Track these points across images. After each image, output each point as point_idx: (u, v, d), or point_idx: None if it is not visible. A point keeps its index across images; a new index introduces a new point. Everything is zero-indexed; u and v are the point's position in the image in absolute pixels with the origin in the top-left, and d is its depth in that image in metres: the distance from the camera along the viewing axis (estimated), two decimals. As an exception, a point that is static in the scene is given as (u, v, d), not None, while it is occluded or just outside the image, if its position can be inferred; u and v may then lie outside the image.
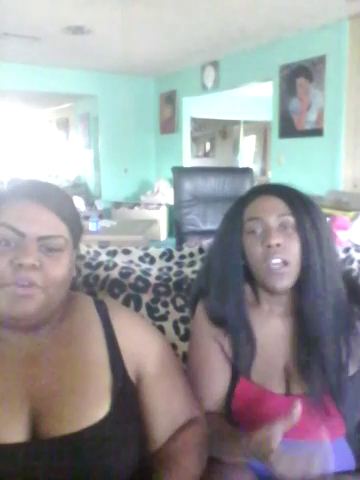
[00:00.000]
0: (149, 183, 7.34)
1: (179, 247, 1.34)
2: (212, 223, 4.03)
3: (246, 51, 5.25)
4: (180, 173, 4.17)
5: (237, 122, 9.47)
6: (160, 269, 1.27)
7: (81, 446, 0.72)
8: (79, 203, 6.16)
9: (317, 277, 0.89)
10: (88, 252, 1.26)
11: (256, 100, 7.51)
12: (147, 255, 1.30)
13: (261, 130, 10.08)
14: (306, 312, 0.90)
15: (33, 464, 0.70)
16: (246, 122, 9.46)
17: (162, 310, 1.21)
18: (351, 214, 3.60)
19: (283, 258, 0.87)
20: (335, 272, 0.92)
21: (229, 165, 9.68)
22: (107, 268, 1.22)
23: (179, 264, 1.29)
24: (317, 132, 4.53)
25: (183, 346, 1.19)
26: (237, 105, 7.79)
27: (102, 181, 7.26)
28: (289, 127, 4.84)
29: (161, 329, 1.18)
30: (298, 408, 0.76)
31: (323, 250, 0.89)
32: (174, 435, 0.84)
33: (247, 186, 4.10)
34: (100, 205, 6.76)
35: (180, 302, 1.22)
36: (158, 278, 1.24)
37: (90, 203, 7.05)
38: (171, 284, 1.23)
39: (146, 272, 1.24)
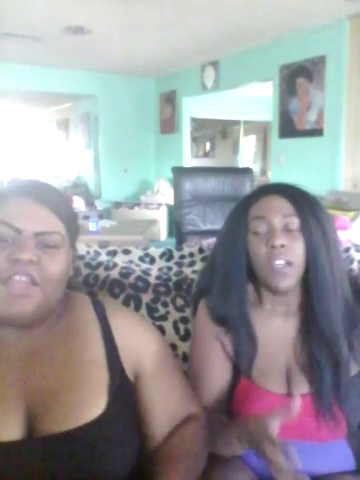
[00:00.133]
0: (149, 183, 7.34)
1: (179, 247, 1.34)
2: (212, 223, 4.03)
3: (246, 51, 5.25)
4: (180, 173, 4.17)
5: (237, 122, 9.47)
6: (160, 269, 1.27)
7: (77, 444, 0.72)
8: (79, 203, 6.18)
9: (327, 279, 0.88)
10: (88, 252, 1.26)
11: (256, 100, 7.51)
12: (147, 255, 1.30)
13: (261, 130, 10.09)
14: (317, 313, 0.89)
15: (29, 462, 0.70)
16: (246, 122, 9.46)
17: (162, 310, 1.21)
18: (351, 214, 3.60)
19: (287, 259, 0.87)
20: (343, 273, 0.92)
21: (229, 165, 9.69)
22: (107, 268, 1.22)
23: (179, 264, 1.29)
24: (317, 132, 4.53)
25: (183, 346, 1.19)
26: (237, 105, 7.79)
27: (102, 181, 7.26)
28: (289, 127, 4.84)
29: (161, 329, 1.18)
30: (297, 403, 0.75)
31: (330, 251, 0.89)
32: (173, 432, 0.84)
33: (247, 186, 4.10)
34: (100, 205, 6.76)
35: (180, 302, 1.22)
36: (158, 278, 1.24)
37: (90, 203, 7.06)
38: (171, 284, 1.23)
39: (146, 272, 1.24)
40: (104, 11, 4.00)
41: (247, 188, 4.09)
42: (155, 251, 1.31)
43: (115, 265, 1.23)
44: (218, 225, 4.49)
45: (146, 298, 1.21)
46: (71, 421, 0.73)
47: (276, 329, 0.96)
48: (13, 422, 0.72)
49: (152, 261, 1.29)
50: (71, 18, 4.22)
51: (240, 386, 0.94)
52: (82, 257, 1.23)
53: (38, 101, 8.68)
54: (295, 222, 0.88)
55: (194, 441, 0.83)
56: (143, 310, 1.19)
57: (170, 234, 6.48)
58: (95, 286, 1.19)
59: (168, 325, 1.20)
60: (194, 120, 7.53)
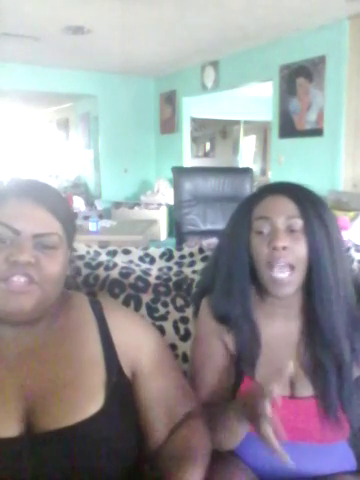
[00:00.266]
0: (149, 183, 7.34)
1: (179, 247, 1.34)
2: (212, 223, 4.04)
3: (246, 51, 5.25)
4: (180, 173, 4.17)
5: (237, 122, 9.47)
6: (160, 269, 1.27)
7: (74, 440, 0.73)
8: (79, 203, 6.18)
9: (330, 281, 0.87)
10: (88, 252, 1.26)
11: (256, 100, 7.51)
12: (147, 255, 1.30)
13: (261, 130, 10.09)
14: (319, 316, 0.89)
15: (27, 458, 0.71)
16: (246, 122, 9.46)
17: (162, 310, 1.21)
18: (351, 214, 3.60)
19: (288, 261, 0.86)
20: (346, 275, 0.91)
21: (229, 165, 9.68)
22: (107, 268, 1.22)
23: (179, 264, 1.29)
24: (317, 132, 4.53)
25: (183, 346, 1.19)
26: (237, 105, 7.79)
27: (102, 181, 7.26)
28: (289, 127, 4.84)
29: (161, 329, 1.18)
30: (291, 366, 0.76)
31: (334, 252, 0.88)
32: (174, 430, 0.84)
33: (247, 186, 4.11)
34: (100, 205, 6.76)
35: (180, 302, 1.22)
36: (158, 278, 1.24)
37: (90, 203, 7.06)
38: (171, 284, 1.23)
39: (146, 272, 1.24)
40: (104, 11, 4.00)
41: (247, 188, 4.10)
42: (155, 251, 1.31)
43: (115, 265, 1.23)
44: (218, 225, 4.49)
45: (146, 298, 1.21)
46: (69, 418, 0.74)
47: (278, 330, 0.95)
48: (11, 419, 0.73)
49: (152, 261, 1.29)
50: (71, 18, 4.22)
51: (243, 386, 0.94)
52: (82, 257, 1.23)
53: (38, 101, 8.68)
54: (298, 223, 0.87)
55: (197, 438, 0.83)
56: (143, 310, 1.19)
57: (170, 234, 6.48)
58: (95, 286, 1.19)
59: (168, 325, 1.20)
60: (194, 120, 7.53)
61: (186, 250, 1.32)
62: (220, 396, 0.96)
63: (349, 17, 4.11)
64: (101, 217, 5.04)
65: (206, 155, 10.89)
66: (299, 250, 0.86)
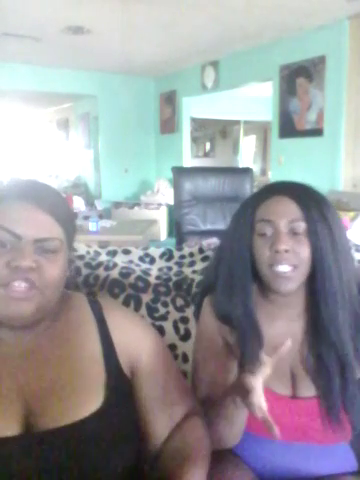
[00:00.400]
0: (149, 183, 7.34)
1: (179, 247, 1.34)
2: (212, 223, 4.04)
3: (246, 51, 5.25)
4: (180, 173, 4.18)
5: (237, 122, 9.47)
6: (160, 269, 1.27)
7: (74, 439, 0.73)
8: (79, 203, 6.18)
9: (334, 283, 0.87)
10: (88, 252, 1.26)
11: (256, 100, 7.51)
12: (147, 255, 1.30)
13: (261, 130, 10.09)
14: (324, 317, 0.88)
15: (26, 457, 0.71)
16: (246, 122, 9.46)
17: (162, 310, 1.21)
18: (351, 214, 3.60)
19: (291, 263, 0.86)
20: (351, 276, 0.90)
21: (229, 165, 9.68)
22: (107, 268, 1.22)
23: (179, 264, 1.29)
24: (317, 132, 4.53)
25: (183, 346, 1.18)
26: (237, 105, 7.79)
27: (102, 181, 7.26)
28: (289, 127, 4.84)
29: (161, 329, 1.18)
30: (288, 344, 0.77)
31: (338, 254, 0.87)
32: (174, 431, 0.84)
33: (247, 186, 4.11)
34: (100, 205, 6.76)
35: (180, 302, 1.22)
36: (158, 278, 1.24)
37: (90, 203, 7.06)
38: (171, 284, 1.23)
39: (146, 272, 1.24)
40: (104, 11, 4.00)
41: (247, 188, 4.10)
42: (155, 251, 1.31)
43: (115, 265, 1.23)
44: (218, 225, 4.49)
45: (146, 298, 1.21)
46: (68, 417, 0.74)
47: (281, 329, 0.95)
48: (11, 418, 0.73)
49: (152, 261, 1.29)
50: (71, 18, 4.22)
51: None
52: (82, 257, 1.23)
53: (38, 101, 8.68)
54: (302, 226, 0.86)
55: (197, 439, 0.83)
56: (143, 310, 1.19)
57: (170, 234, 6.48)
58: (95, 286, 1.19)
59: (168, 325, 1.20)
60: (194, 120, 7.53)
61: (186, 250, 1.32)
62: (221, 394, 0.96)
63: (349, 17, 4.11)
64: (101, 217, 5.03)
65: (206, 155, 10.89)
66: (302, 252, 0.86)
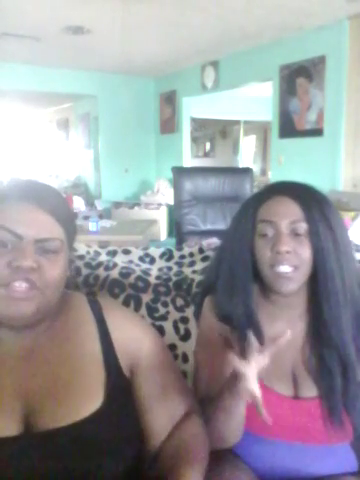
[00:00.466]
0: (149, 183, 7.34)
1: (179, 247, 1.34)
2: (212, 223, 4.04)
3: (246, 51, 5.25)
4: (180, 173, 4.17)
5: (237, 122, 9.47)
6: (160, 269, 1.27)
7: (74, 439, 0.73)
8: (79, 203, 6.18)
9: (337, 285, 0.86)
10: (88, 252, 1.26)
11: (256, 100, 7.51)
12: (147, 255, 1.30)
13: (261, 130, 10.09)
14: (326, 318, 0.88)
15: (26, 457, 0.71)
16: (246, 122, 9.46)
17: (162, 310, 1.21)
18: (351, 214, 3.60)
19: (292, 264, 0.85)
20: (353, 277, 0.89)
21: (229, 165, 9.68)
22: (107, 268, 1.22)
23: (179, 264, 1.29)
24: (317, 132, 4.53)
25: (183, 346, 1.18)
26: (237, 105, 7.79)
27: (102, 181, 7.26)
28: (289, 127, 4.84)
29: (161, 329, 1.18)
30: (288, 334, 0.77)
31: (340, 255, 0.86)
32: (173, 432, 0.84)
33: (247, 186, 4.11)
34: (100, 205, 6.76)
35: (180, 302, 1.22)
36: (158, 278, 1.24)
37: (90, 203, 7.06)
38: (171, 284, 1.23)
39: (146, 272, 1.24)
40: (104, 11, 4.00)
41: (247, 188, 4.10)
42: (155, 251, 1.31)
43: (115, 265, 1.23)
44: (218, 225, 4.48)
45: (146, 298, 1.21)
46: (68, 417, 0.74)
47: (282, 330, 0.95)
48: (11, 418, 0.73)
49: (152, 261, 1.29)
50: (71, 18, 4.22)
51: None
52: (82, 257, 1.23)
53: (38, 101, 8.68)
54: (303, 227, 0.86)
55: (195, 440, 0.83)
56: (143, 310, 1.19)
57: (170, 234, 6.48)
58: (95, 286, 1.19)
59: (168, 325, 1.20)
60: (194, 120, 7.53)
61: (186, 250, 1.32)
62: None
63: (349, 17, 4.11)
64: (101, 217, 5.03)
65: (206, 155, 10.89)
66: (303, 253, 0.86)
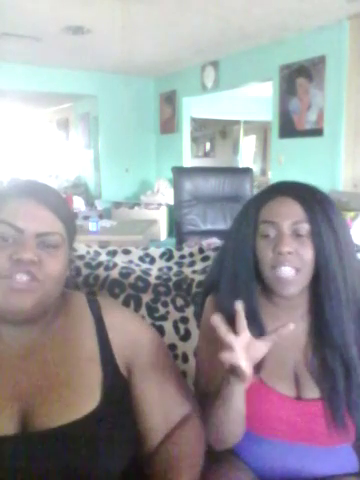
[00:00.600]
0: (149, 183, 7.34)
1: (179, 247, 1.34)
2: (212, 223, 4.04)
3: (246, 51, 5.25)
4: (180, 173, 4.17)
5: (237, 122, 9.48)
6: (160, 269, 1.27)
7: (71, 439, 0.73)
8: (79, 203, 6.18)
9: (339, 286, 0.86)
10: (88, 252, 1.26)
11: (256, 100, 7.51)
12: (147, 255, 1.30)
13: (261, 130, 10.09)
14: (329, 320, 0.87)
15: (23, 456, 0.71)
16: (246, 122, 9.46)
17: (162, 310, 1.21)
18: (351, 214, 3.60)
19: (293, 265, 0.85)
20: (356, 278, 0.88)
21: (229, 165, 9.68)
22: (107, 268, 1.22)
23: (179, 264, 1.29)
24: (317, 132, 4.53)
25: (183, 346, 1.18)
26: (237, 105, 7.79)
27: (102, 181, 7.27)
28: (289, 127, 4.84)
29: (161, 329, 1.18)
30: (291, 327, 0.76)
31: (343, 256, 0.86)
32: (170, 434, 0.84)
33: (247, 186, 4.11)
34: (100, 205, 6.76)
35: (180, 302, 1.22)
36: (158, 278, 1.24)
37: (90, 203, 7.06)
38: (171, 284, 1.23)
39: (146, 272, 1.24)
40: (104, 11, 4.00)
41: (247, 188, 4.10)
42: (155, 251, 1.31)
43: (115, 265, 1.23)
44: (218, 225, 4.46)
45: (146, 298, 1.21)
46: (65, 417, 0.74)
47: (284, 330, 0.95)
48: (7, 417, 0.73)
49: (152, 261, 1.29)
50: (71, 18, 4.22)
51: (250, 385, 0.93)
52: (82, 257, 1.23)
53: (38, 101, 8.68)
54: (305, 228, 0.85)
55: (189, 444, 0.83)
56: (143, 310, 1.19)
57: (170, 234, 6.48)
58: (95, 286, 1.19)
59: (168, 325, 1.20)
60: (194, 120, 7.53)
61: (186, 250, 1.32)
62: None
63: (349, 17, 4.11)
64: (101, 217, 5.03)
65: (206, 155, 10.89)
66: (305, 254, 0.85)
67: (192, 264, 1.29)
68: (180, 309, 1.22)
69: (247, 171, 4.30)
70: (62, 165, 9.74)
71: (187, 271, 1.26)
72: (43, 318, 0.81)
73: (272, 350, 0.92)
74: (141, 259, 1.29)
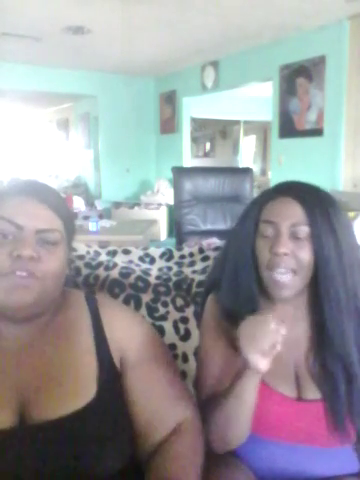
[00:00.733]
0: (149, 183, 7.34)
1: (179, 247, 1.34)
2: (212, 223, 4.03)
3: (246, 51, 5.25)
4: (180, 173, 4.17)
5: (237, 122, 9.47)
6: (160, 269, 1.27)
7: (68, 431, 0.74)
8: (79, 203, 6.17)
9: (339, 290, 0.85)
10: (88, 252, 1.26)
11: (256, 100, 7.51)
12: (147, 255, 1.30)
13: (261, 130, 10.09)
14: (328, 325, 0.87)
15: (21, 449, 0.72)
16: (246, 122, 9.46)
17: (162, 310, 1.21)
18: (351, 214, 3.60)
19: (289, 267, 0.84)
20: (356, 282, 0.87)
21: (229, 165, 9.67)
22: (107, 268, 1.22)
23: (179, 264, 1.29)
24: (317, 132, 4.53)
25: (183, 346, 1.18)
26: (237, 105, 7.79)
27: (102, 181, 7.27)
28: (289, 127, 4.84)
29: (161, 329, 1.18)
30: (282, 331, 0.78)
31: (343, 259, 0.84)
32: (168, 434, 0.83)
33: (247, 186, 4.10)
34: (100, 205, 6.76)
35: (180, 302, 1.22)
36: (158, 278, 1.24)
37: (90, 203, 7.05)
38: (171, 284, 1.23)
39: (146, 272, 1.24)
40: (104, 11, 4.00)
41: (247, 188, 4.09)
42: (155, 251, 1.31)
43: (115, 265, 1.23)
44: (218, 225, 4.47)
45: (146, 298, 1.21)
46: (61, 409, 0.75)
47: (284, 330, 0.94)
48: (5, 411, 0.74)
49: (152, 261, 1.29)
50: (71, 18, 4.22)
51: None
52: (82, 257, 1.23)
53: (38, 101, 8.68)
54: (304, 230, 0.84)
55: (191, 440, 0.82)
56: (143, 310, 1.19)
57: (170, 234, 6.48)
58: (95, 286, 1.19)
59: (168, 325, 1.20)
60: (194, 120, 7.53)
61: (186, 250, 1.32)
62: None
63: (349, 17, 4.11)
64: (101, 217, 5.02)
65: (206, 155, 10.89)
66: (302, 256, 0.84)
67: (192, 264, 1.29)
68: (180, 309, 1.21)
69: (247, 171, 4.29)
70: (62, 165, 9.74)
71: (187, 271, 1.26)
72: (43, 316, 0.82)
73: None
74: (141, 259, 1.29)
